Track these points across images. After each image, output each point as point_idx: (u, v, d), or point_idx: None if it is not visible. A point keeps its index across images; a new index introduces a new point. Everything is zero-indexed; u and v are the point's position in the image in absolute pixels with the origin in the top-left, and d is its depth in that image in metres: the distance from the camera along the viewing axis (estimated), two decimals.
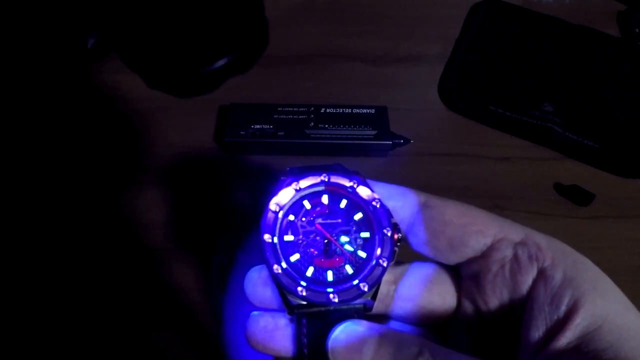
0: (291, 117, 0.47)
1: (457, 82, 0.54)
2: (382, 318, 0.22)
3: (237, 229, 0.43)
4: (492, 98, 0.51)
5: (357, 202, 0.22)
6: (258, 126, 0.47)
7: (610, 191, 0.46)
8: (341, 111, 0.48)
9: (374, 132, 0.46)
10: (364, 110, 0.48)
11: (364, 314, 0.21)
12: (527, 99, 0.51)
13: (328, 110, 0.48)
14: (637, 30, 0.58)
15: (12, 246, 0.42)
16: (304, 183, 0.22)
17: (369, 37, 0.58)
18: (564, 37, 0.57)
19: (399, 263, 0.22)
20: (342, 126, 0.47)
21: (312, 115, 0.47)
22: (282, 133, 0.46)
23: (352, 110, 0.48)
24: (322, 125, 0.47)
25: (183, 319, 0.39)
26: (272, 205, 0.22)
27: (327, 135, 0.46)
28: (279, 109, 0.48)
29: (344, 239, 0.22)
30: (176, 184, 0.46)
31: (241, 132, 0.46)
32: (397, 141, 0.47)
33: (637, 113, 0.51)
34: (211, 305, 0.40)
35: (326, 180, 0.22)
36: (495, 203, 0.45)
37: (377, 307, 0.21)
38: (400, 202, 0.22)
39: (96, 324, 0.39)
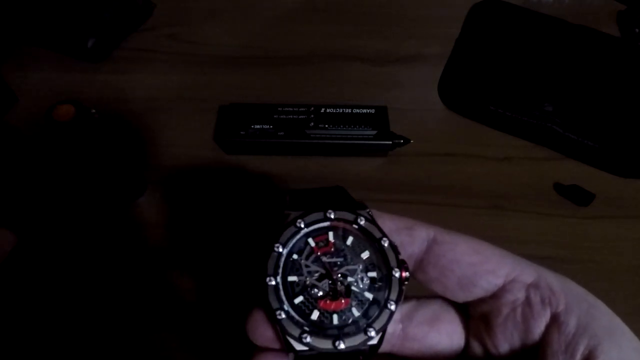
0: (291, 117, 0.47)
1: (457, 82, 0.54)
2: (387, 357, 0.22)
3: (237, 230, 0.43)
4: (492, 98, 0.51)
5: (363, 240, 0.21)
6: (258, 126, 0.47)
7: (610, 191, 0.46)
8: (341, 111, 0.48)
9: (374, 132, 0.46)
10: (364, 110, 0.48)
11: (370, 355, 0.20)
12: (527, 99, 0.51)
13: (328, 110, 0.48)
14: (637, 30, 0.58)
15: (14, 245, 0.42)
16: (308, 219, 0.21)
17: (369, 37, 0.58)
18: (564, 37, 0.57)
19: (406, 299, 0.22)
20: (342, 126, 0.47)
21: (312, 115, 0.47)
22: (282, 133, 0.46)
23: (352, 110, 0.48)
24: (322, 125, 0.47)
25: (182, 319, 0.39)
26: (275, 245, 0.21)
27: (327, 135, 0.46)
28: (279, 109, 0.48)
29: (350, 279, 0.21)
30: (176, 183, 0.46)
31: (241, 132, 0.46)
32: (397, 141, 0.47)
33: (637, 113, 0.51)
34: (211, 305, 0.40)
35: (331, 216, 0.21)
36: (495, 203, 0.45)
37: (383, 346, 0.20)
38: (409, 237, 0.21)
39: (95, 323, 0.39)
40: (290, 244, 0.21)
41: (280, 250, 0.21)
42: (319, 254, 0.21)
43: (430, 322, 0.22)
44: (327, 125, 0.47)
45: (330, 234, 0.22)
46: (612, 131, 0.49)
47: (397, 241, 0.21)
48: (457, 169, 0.47)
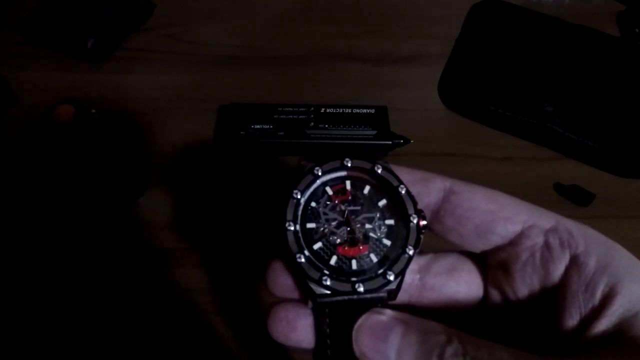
0: (291, 117, 0.47)
1: (457, 82, 0.54)
2: (405, 308, 0.21)
3: (237, 230, 0.43)
4: (492, 98, 0.51)
5: (381, 188, 0.21)
6: (258, 126, 0.47)
7: (610, 191, 0.46)
8: (341, 111, 0.48)
9: (374, 132, 0.46)
10: (364, 110, 0.48)
11: (388, 303, 0.20)
12: (527, 99, 0.51)
13: (328, 110, 0.48)
14: (637, 30, 0.58)
15: (15, 245, 0.42)
16: (326, 168, 0.21)
17: (369, 37, 0.58)
18: (564, 37, 0.57)
19: (422, 252, 0.22)
20: (342, 126, 0.47)
21: (312, 115, 0.47)
22: (282, 133, 0.46)
23: (352, 110, 0.48)
24: (322, 125, 0.47)
25: (186, 319, 0.39)
26: (294, 191, 0.21)
27: (327, 135, 0.46)
28: (279, 109, 0.48)
29: (367, 226, 0.21)
30: (176, 184, 0.46)
31: (241, 132, 0.46)
32: (397, 141, 0.47)
33: (637, 113, 0.51)
34: (212, 305, 0.40)
35: (348, 165, 0.21)
36: None
37: (401, 296, 0.20)
38: (425, 188, 0.21)
39: (99, 324, 0.39)
40: (308, 192, 0.21)
41: (299, 197, 0.21)
42: (336, 202, 0.21)
43: (448, 272, 0.22)
44: (327, 125, 0.47)
45: (348, 183, 0.22)
46: (612, 131, 0.49)
47: (413, 192, 0.21)
48: (457, 169, 0.47)
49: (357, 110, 0.48)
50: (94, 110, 0.37)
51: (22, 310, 0.39)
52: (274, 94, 0.51)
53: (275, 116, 0.47)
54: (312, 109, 0.48)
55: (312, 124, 0.47)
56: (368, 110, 0.48)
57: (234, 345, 0.38)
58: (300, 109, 0.48)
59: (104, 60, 0.54)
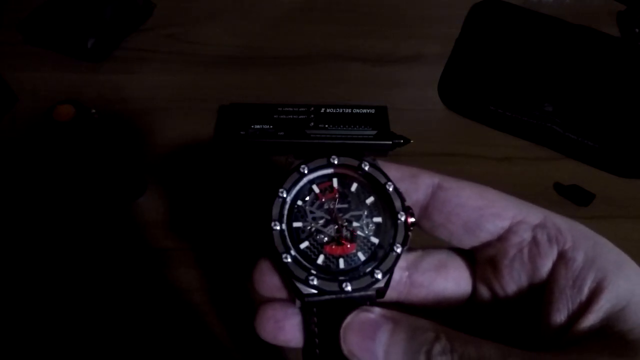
0: (291, 117, 0.47)
1: (457, 82, 0.54)
2: (394, 306, 0.21)
3: (237, 230, 0.43)
4: (492, 98, 0.51)
5: (368, 185, 0.21)
6: (258, 126, 0.47)
7: (610, 191, 0.46)
8: (341, 111, 0.48)
9: (374, 132, 0.46)
10: (364, 110, 0.48)
11: (376, 301, 0.20)
12: (527, 99, 0.51)
13: (328, 110, 0.48)
14: (637, 30, 0.58)
15: (15, 245, 0.42)
16: (312, 165, 0.21)
17: (369, 37, 0.58)
18: (564, 37, 0.57)
19: (411, 249, 0.22)
20: (342, 126, 0.47)
21: (312, 115, 0.47)
22: (282, 133, 0.46)
23: (352, 110, 0.48)
24: (322, 125, 0.47)
25: (184, 319, 0.39)
26: (279, 190, 0.20)
27: (327, 135, 0.46)
28: (279, 109, 0.48)
29: (355, 224, 0.21)
30: (176, 183, 0.46)
31: (241, 132, 0.46)
32: (397, 141, 0.47)
33: (637, 113, 0.51)
34: (212, 305, 0.40)
35: (335, 162, 0.21)
36: None
37: (389, 294, 0.20)
38: (413, 184, 0.21)
39: (97, 323, 0.39)
40: (294, 191, 0.21)
41: (285, 195, 0.21)
42: (323, 200, 0.21)
43: (437, 268, 0.22)
44: (327, 125, 0.47)
45: (335, 181, 0.21)
46: (612, 131, 0.49)
47: (401, 189, 0.21)
48: (457, 169, 0.47)
49: (357, 110, 0.48)
50: (94, 110, 0.37)
51: (22, 309, 0.39)
52: (274, 94, 0.51)
53: (275, 116, 0.47)
54: (312, 109, 0.48)
55: (312, 124, 0.47)
56: (368, 110, 0.48)
57: (232, 345, 0.38)
58: (300, 109, 0.48)
59: (104, 60, 0.54)
